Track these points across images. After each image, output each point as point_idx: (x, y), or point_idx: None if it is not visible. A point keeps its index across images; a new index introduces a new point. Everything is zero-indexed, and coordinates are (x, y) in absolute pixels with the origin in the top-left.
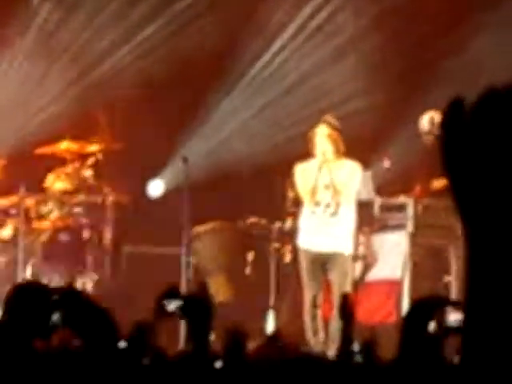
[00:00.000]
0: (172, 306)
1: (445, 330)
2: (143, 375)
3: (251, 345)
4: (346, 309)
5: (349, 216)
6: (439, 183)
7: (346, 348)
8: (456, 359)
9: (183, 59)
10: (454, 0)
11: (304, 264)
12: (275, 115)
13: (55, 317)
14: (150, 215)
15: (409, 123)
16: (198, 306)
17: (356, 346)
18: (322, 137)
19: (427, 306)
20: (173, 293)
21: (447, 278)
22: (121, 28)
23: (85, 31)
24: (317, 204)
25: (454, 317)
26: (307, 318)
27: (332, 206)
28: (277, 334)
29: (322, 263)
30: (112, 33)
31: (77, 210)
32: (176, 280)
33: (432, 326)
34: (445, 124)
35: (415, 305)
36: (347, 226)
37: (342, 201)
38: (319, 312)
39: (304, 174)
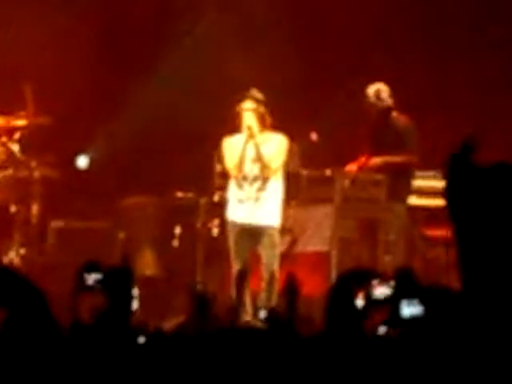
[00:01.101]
0: (92, 279)
1: (371, 303)
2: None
3: (177, 319)
4: (292, 288)
5: (276, 189)
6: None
7: (288, 325)
8: (381, 331)
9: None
10: None
11: (232, 237)
12: (201, 88)
13: None
14: (78, 189)
15: (338, 96)
16: (118, 279)
17: (263, 314)
18: (248, 111)
19: (353, 279)
20: (92, 266)
21: (375, 251)
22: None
23: None
24: (244, 177)
25: (380, 290)
26: (234, 290)
27: (259, 179)
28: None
29: (250, 236)
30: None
31: (3, 184)
32: (104, 254)
33: (359, 299)
34: (452, 168)
35: (341, 278)
36: (275, 198)
37: (269, 174)
38: (247, 285)
39: (231, 148)
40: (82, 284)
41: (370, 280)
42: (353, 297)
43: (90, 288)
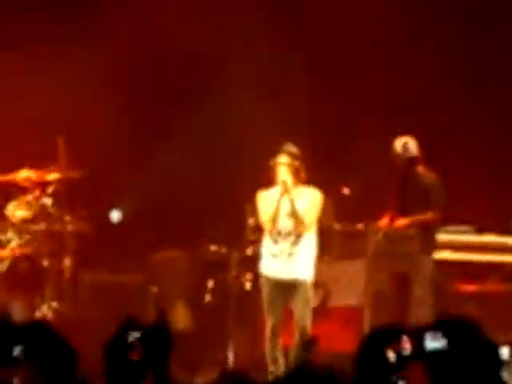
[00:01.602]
0: (131, 337)
1: (402, 359)
2: None
3: (209, 375)
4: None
5: (310, 244)
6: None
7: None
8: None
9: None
10: None
11: (265, 292)
12: (233, 142)
13: (17, 350)
14: (111, 243)
15: (370, 151)
16: (157, 337)
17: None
18: (283, 165)
19: (383, 335)
20: (131, 324)
21: (408, 306)
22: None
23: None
24: (278, 232)
25: (410, 346)
26: (268, 346)
27: (293, 233)
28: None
29: (284, 291)
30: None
31: (37, 238)
32: (137, 308)
33: (391, 355)
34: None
35: (371, 334)
36: (308, 253)
37: (303, 229)
38: (279, 340)
39: (266, 202)
40: (122, 342)
41: (399, 337)
42: (382, 354)
43: (130, 346)
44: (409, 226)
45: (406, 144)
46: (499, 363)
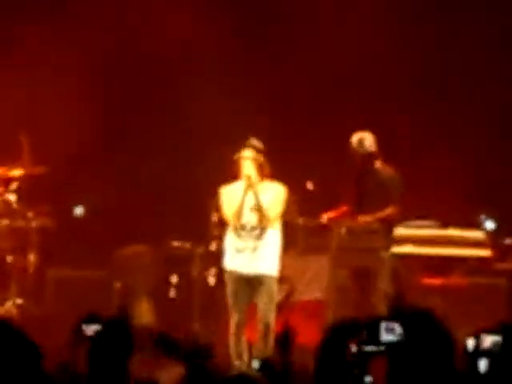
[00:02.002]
0: (90, 330)
1: (363, 354)
2: None
3: (173, 370)
4: (287, 338)
5: (274, 238)
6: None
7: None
8: (353, 349)
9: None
10: None
11: (229, 287)
12: (196, 138)
13: None
14: (75, 239)
15: (333, 147)
16: (118, 331)
17: (257, 364)
18: (247, 159)
19: (345, 328)
20: (91, 318)
21: (372, 299)
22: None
23: None
24: (242, 226)
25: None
26: (232, 340)
27: (257, 228)
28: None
29: (248, 286)
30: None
31: (0, 234)
32: (101, 303)
33: (352, 348)
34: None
35: (333, 327)
36: (273, 248)
37: (267, 223)
38: (244, 335)
39: (229, 197)
40: (81, 335)
41: (361, 331)
42: (344, 348)
43: (89, 339)
44: (372, 222)
45: (362, 139)
46: (453, 353)
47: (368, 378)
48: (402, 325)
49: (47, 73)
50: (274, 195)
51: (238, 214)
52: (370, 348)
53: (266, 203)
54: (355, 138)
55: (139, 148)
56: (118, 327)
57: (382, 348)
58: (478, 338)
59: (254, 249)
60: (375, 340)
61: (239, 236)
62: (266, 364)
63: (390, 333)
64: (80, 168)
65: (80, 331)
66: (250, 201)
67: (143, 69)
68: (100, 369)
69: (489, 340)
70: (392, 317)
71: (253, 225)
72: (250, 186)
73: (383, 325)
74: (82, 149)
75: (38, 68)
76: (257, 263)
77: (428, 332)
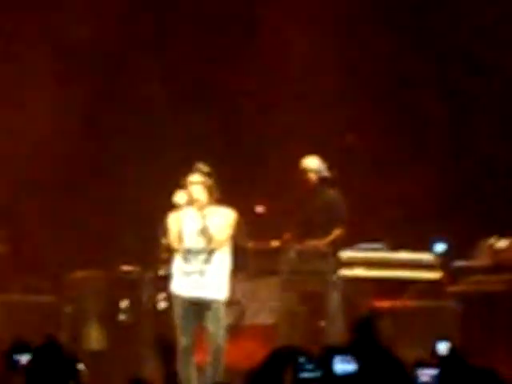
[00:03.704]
0: (23, 359)
1: (299, 380)
2: None
3: None
4: None
5: (222, 262)
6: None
7: None
8: None
9: None
10: None
11: (177, 311)
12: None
13: None
14: (25, 264)
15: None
16: (49, 358)
17: None
18: (195, 184)
19: (281, 358)
20: (22, 346)
21: (321, 323)
22: None
23: None
24: (189, 250)
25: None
26: (179, 365)
27: (205, 252)
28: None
29: (196, 310)
30: None
31: None
32: (51, 328)
33: (287, 377)
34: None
35: (270, 356)
36: (221, 271)
37: (214, 247)
38: (192, 359)
39: (177, 221)
40: (14, 364)
41: (297, 359)
42: (281, 374)
43: (22, 368)
44: (321, 245)
45: (318, 163)
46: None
47: None
48: (357, 357)
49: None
50: (223, 219)
51: (183, 237)
52: (306, 374)
53: (213, 227)
54: (313, 162)
55: (90, 172)
56: (49, 355)
57: (318, 374)
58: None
59: (201, 273)
60: (328, 371)
61: (186, 260)
62: None
63: (344, 364)
64: (31, 192)
65: (12, 360)
66: (197, 225)
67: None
68: None
69: (426, 373)
70: (346, 349)
71: (200, 249)
72: (197, 209)
73: (338, 357)
74: (34, 173)
75: None
76: (204, 287)
77: (384, 364)
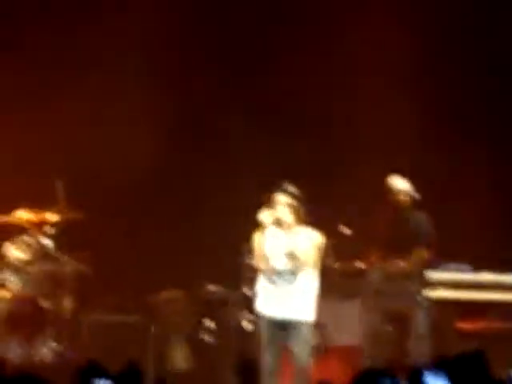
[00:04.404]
0: None
1: None
2: None
3: None
4: None
5: (309, 283)
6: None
7: None
8: None
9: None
10: None
11: (263, 331)
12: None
13: None
14: (110, 284)
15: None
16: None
17: None
18: (282, 205)
19: (366, 380)
20: (98, 370)
21: (407, 344)
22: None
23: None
24: (276, 272)
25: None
26: None
27: (291, 273)
28: None
29: (281, 331)
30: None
31: (36, 279)
32: (136, 348)
33: None
34: None
35: (355, 378)
36: (307, 293)
37: (301, 268)
38: (277, 380)
39: (262, 241)
40: None
41: (382, 381)
42: None
43: None
44: (407, 266)
45: (403, 184)
46: None
47: None
48: (449, 373)
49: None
50: (309, 241)
51: (272, 258)
52: None
53: (300, 249)
54: (401, 183)
55: (174, 192)
56: (129, 380)
57: None
58: None
59: (288, 294)
60: None
61: (272, 280)
62: None
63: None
64: (115, 212)
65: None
66: (284, 246)
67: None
68: None
69: None
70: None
71: (287, 270)
72: (284, 230)
73: (428, 373)
74: (118, 193)
75: (72, 109)
76: (290, 308)
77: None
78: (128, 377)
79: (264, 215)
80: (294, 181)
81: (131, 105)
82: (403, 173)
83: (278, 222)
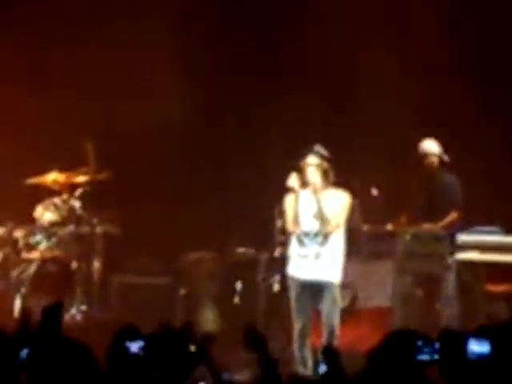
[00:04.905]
0: (134, 347)
1: (417, 364)
2: None
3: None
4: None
5: (337, 245)
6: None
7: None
8: None
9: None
10: None
11: (293, 293)
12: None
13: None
14: (139, 246)
15: (396, 153)
16: (162, 346)
17: (323, 368)
18: (312, 166)
19: (398, 340)
20: (133, 333)
21: (437, 306)
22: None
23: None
24: (305, 233)
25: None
26: (296, 347)
27: (320, 235)
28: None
29: (311, 292)
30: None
31: (65, 240)
32: (165, 310)
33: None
34: None
35: (387, 338)
36: (336, 254)
37: (330, 230)
38: (308, 341)
39: (293, 204)
40: (124, 352)
41: (414, 341)
42: (399, 356)
43: (132, 356)
44: (437, 228)
45: (435, 146)
46: None
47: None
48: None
49: (110, 81)
50: (338, 203)
51: (300, 220)
52: (424, 357)
53: (328, 210)
54: (434, 145)
55: (207, 154)
56: (162, 343)
57: (436, 357)
58: None
59: (317, 255)
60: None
61: (302, 242)
62: (332, 368)
63: (478, 346)
64: (144, 172)
65: (123, 348)
66: (313, 208)
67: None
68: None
69: None
70: (479, 331)
71: (315, 232)
72: (313, 192)
73: (472, 339)
74: (148, 153)
75: (102, 73)
76: (319, 270)
77: None
78: (161, 338)
79: (292, 179)
80: (328, 142)
81: (163, 69)
82: (434, 135)
83: (307, 184)
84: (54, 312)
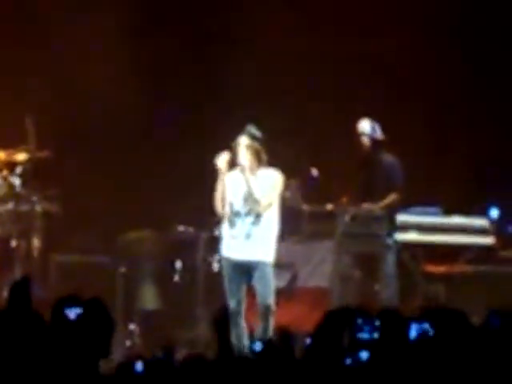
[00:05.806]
0: (72, 313)
1: (355, 342)
2: None
3: (179, 353)
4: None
5: (269, 224)
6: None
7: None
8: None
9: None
10: None
11: (225, 273)
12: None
13: None
14: (79, 224)
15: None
16: (99, 314)
17: (258, 346)
18: (243, 147)
19: (339, 318)
20: (73, 300)
21: (375, 286)
22: None
23: None
24: (236, 213)
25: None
26: (230, 325)
27: (251, 215)
28: None
29: (243, 272)
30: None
31: (5, 218)
32: (106, 289)
33: (345, 338)
34: None
35: (327, 316)
36: (268, 234)
37: (260, 210)
38: (242, 320)
39: (222, 185)
40: (62, 318)
41: (355, 319)
42: (338, 335)
43: (70, 322)
44: (377, 209)
45: (373, 126)
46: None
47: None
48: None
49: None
50: (269, 182)
51: (228, 201)
52: (365, 335)
53: (258, 190)
54: (365, 125)
55: (146, 131)
56: (100, 311)
57: (376, 335)
58: None
59: (248, 236)
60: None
61: (232, 223)
62: (268, 345)
63: (420, 330)
64: (84, 150)
65: (61, 314)
66: (242, 188)
67: None
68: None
69: None
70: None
71: (245, 212)
72: (244, 172)
73: (414, 323)
74: (88, 131)
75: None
76: (250, 250)
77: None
78: (98, 306)
79: (220, 159)
80: (265, 122)
81: (106, 44)
82: (374, 116)
83: (236, 165)
84: (23, 286)
